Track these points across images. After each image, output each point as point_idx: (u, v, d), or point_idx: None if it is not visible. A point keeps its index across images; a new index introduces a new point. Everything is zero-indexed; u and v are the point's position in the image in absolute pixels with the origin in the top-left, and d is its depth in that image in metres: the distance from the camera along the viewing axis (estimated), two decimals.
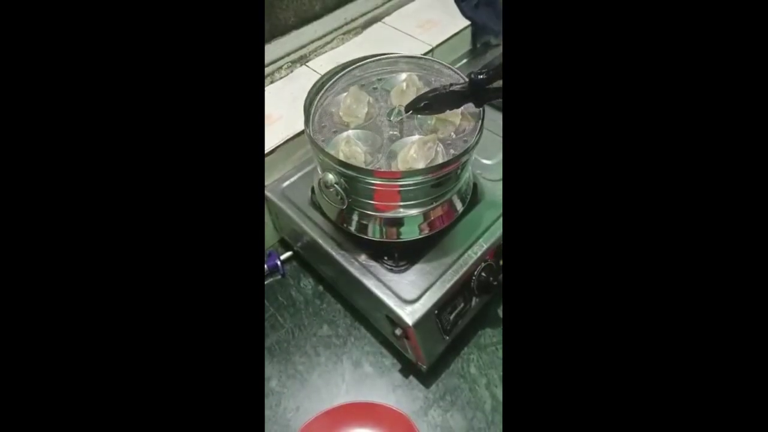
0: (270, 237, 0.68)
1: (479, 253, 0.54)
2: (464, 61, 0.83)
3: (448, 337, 0.54)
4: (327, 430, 0.51)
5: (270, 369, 0.57)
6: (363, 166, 0.47)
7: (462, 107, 0.50)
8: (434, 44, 0.76)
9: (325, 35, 0.75)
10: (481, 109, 0.50)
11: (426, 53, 0.75)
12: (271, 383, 0.56)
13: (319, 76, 0.53)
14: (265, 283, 0.65)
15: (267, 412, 0.54)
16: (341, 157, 0.46)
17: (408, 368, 0.57)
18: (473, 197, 0.57)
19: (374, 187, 0.46)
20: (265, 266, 0.65)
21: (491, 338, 0.60)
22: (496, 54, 0.83)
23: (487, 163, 0.63)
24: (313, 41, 0.73)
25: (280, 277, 0.66)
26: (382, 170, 0.47)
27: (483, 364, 0.57)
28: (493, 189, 0.60)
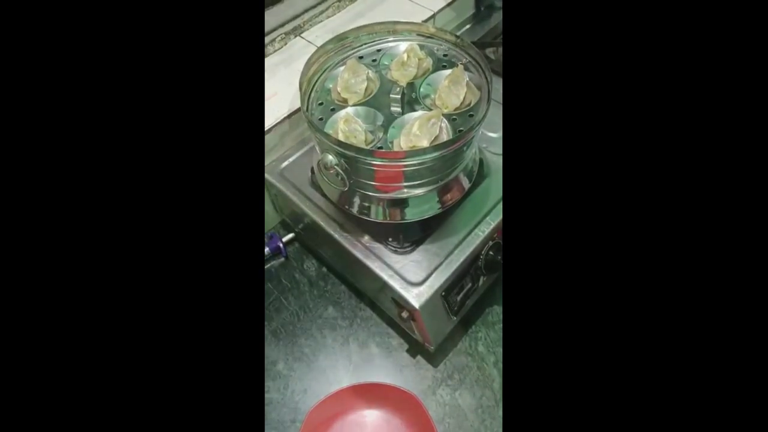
0: (270, 219, 0.67)
1: (487, 232, 0.52)
2: (468, 26, 0.79)
3: (455, 318, 0.53)
4: (335, 412, 0.52)
5: (276, 352, 0.57)
6: (364, 146, 0.45)
7: (467, 76, 0.47)
8: (436, 9, 0.71)
9: (319, 3, 0.70)
10: (487, 79, 0.47)
11: (427, 19, 0.70)
12: (278, 366, 0.56)
13: (315, 48, 0.50)
14: (268, 266, 0.64)
15: (275, 396, 0.54)
16: (340, 136, 0.44)
17: (415, 348, 0.57)
18: (479, 173, 0.55)
19: (376, 168, 0.44)
20: (267, 249, 0.63)
21: (499, 315, 0.59)
22: (500, 18, 0.78)
23: (494, 137, 0.61)
24: (307, 10, 0.69)
25: (283, 259, 0.64)
26: (384, 151, 0.45)
27: (491, 341, 0.57)
28: (500, 164, 0.58)
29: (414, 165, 0.43)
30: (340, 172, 0.44)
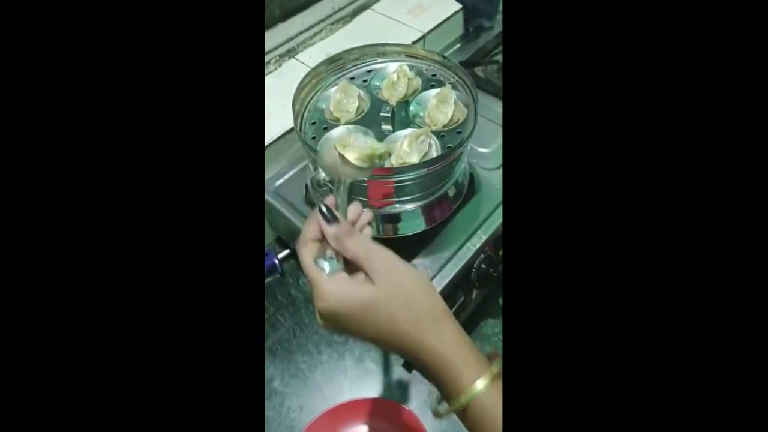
0: (266, 236, 0.68)
1: (478, 245, 0.53)
2: (457, 46, 0.82)
3: None
4: (331, 428, 0.52)
5: (272, 369, 0.57)
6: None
7: (454, 95, 0.49)
8: (425, 30, 0.74)
9: (312, 26, 0.73)
10: (473, 98, 0.49)
11: (417, 40, 0.73)
12: (274, 383, 0.56)
13: (308, 69, 0.52)
14: (264, 282, 0.65)
15: (271, 413, 0.54)
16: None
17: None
18: (470, 187, 0.56)
19: (368, 184, 0.45)
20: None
21: (493, 328, 0.60)
22: (488, 38, 0.81)
23: (484, 152, 0.62)
24: (300, 33, 0.71)
25: (278, 275, 0.65)
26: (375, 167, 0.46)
27: None
28: (490, 178, 0.59)
29: (405, 181, 0.44)
30: (333, 189, 0.45)
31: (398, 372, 0.56)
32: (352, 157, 0.37)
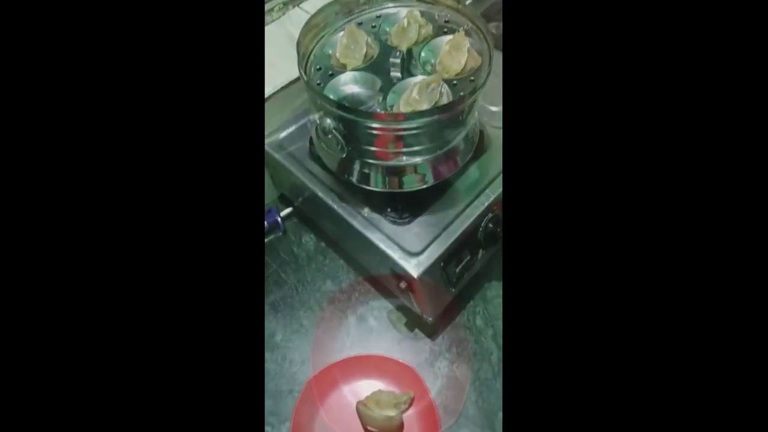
0: (269, 193, 0.66)
1: (486, 204, 0.52)
2: (469, 0, 0.78)
3: (453, 290, 0.52)
4: (333, 382, 0.51)
5: (274, 324, 0.57)
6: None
7: (468, 41, 0.46)
8: None
9: None
10: (488, 45, 0.47)
11: None
12: (276, 338, 0.56)
13: None
14: (266, 240, 0.64)
15: (273, 366, 0.54)
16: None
17: (413, 321, 0.56)
18: (480, 145, 0.54)
19: (375, 132, 0.43)
20: (265, 223, 0.63)
21: (497, 290, 0.59)
22: None
23: (495, 110, 0.60)
24: None
25: (280, 234, 0.64)
26: (383, 112, 0.44)
27: (489, 315, 0.57)
28: (501, 137, 0.57)
29: (413, 129, 0.43)
30: (339, 137, 0.44)
31: (400, 330, 0.56)
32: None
